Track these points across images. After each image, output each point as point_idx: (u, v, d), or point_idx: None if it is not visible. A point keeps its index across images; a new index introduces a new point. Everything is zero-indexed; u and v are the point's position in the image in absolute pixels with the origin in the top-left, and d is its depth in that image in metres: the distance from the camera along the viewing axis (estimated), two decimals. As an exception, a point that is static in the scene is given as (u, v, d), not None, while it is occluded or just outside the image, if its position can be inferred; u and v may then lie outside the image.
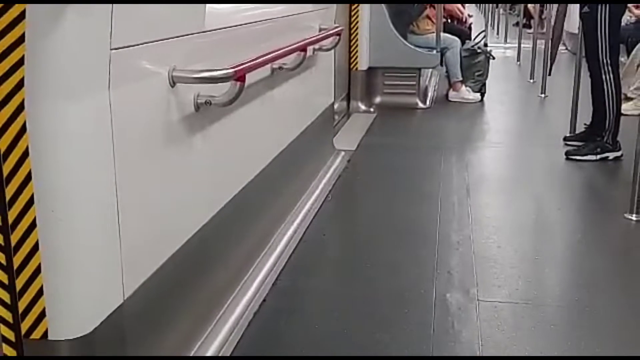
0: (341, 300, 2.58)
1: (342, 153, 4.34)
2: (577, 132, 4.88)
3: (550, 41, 5.29)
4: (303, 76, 3.28)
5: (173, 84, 1.79)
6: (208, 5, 2.00)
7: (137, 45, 1.59)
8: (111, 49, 1.46)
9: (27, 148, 1.35)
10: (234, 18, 2.32)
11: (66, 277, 1.44)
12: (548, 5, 9.71)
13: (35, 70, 1.33)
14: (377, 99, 6.15)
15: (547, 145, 4.83)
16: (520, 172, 4.41)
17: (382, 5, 5.95)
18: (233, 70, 1.88)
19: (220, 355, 2.10)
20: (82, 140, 1.42)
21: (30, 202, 1.38)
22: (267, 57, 2.28)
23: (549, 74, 4.95)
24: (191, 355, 2.03)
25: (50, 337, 1.45)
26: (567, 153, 4.46)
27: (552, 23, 5.04)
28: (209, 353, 2.09)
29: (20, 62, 1.31)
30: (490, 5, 15.54)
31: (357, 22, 5.84)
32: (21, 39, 1.29)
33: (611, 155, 4.35)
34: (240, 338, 2.23)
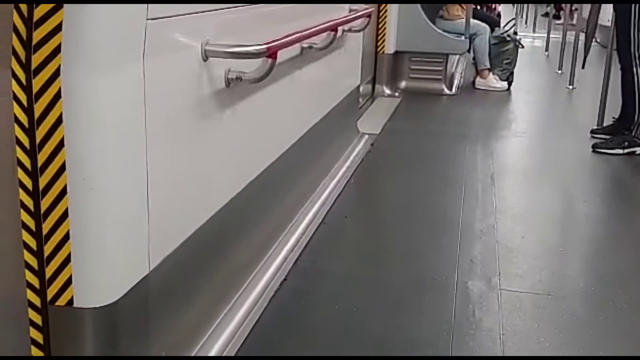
0: (361, 283, 2.57)
1: (366, 136, 4.32)
2: (604, 125, 4.83)
3: (584, 34, 5.22)
4: (331, 57, 3.25)
5: (206, 58, 1.78)
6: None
7: (173, 16, 1.59)
8: (147, 19, 1.45)
9: (60, 115, 1.35)
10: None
11: (94, 245, 1.44)
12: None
13: (72, 37, 1.32)
14: (403, 84, 6.11)
15: (573, 137, 4.78)
16: (545, 163, 4.36)
17: (413, -12, 5.89)
18: (266, 46, 1.86)
19: (238, 334, 2.10)
20: (115, 110, 1.42)
21: (62, 169, 1.37)
22: (298, 35, 2.26)
23: (583, 67, 4.89)
24: (210, 331, 2.03)
25: (75, 305, 1.45)
26: (594, 146, 4.41)
27: (587, 16, 4.97)
28: (229, 329, 2.09)
29: (58, 29, 1.30)
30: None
31: (386, 5, 5.79)
32: (58, 6, 1.29)
33: (638, 150, 4.30)
34: (260, 316, 2.23)
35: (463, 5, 6.36)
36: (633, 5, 4.07)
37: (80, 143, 1.37)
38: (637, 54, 4.18)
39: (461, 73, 7.13)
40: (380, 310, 2.34)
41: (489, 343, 2.16)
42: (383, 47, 5.92)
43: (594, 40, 4.70)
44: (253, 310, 2.23)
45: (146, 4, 1.44)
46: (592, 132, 4.73)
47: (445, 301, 2.40)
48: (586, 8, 9.65)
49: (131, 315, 1.57)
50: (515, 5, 15.10)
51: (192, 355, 1.91)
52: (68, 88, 1.34)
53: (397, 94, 6.00)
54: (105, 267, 1.47)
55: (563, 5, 11.22)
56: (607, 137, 4.50)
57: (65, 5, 1.29)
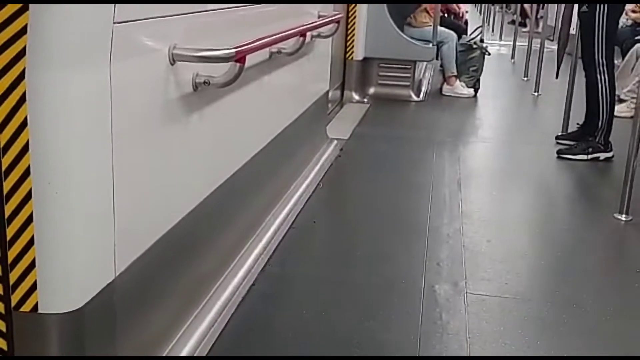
0: (330, 287, 2.58)
1: (335, 142, 4.33)
2: (569, 131, 4.90)
3: (553, 41, 5.30)
4: (300, 62, 3.26)
5: (173, 61, 1.78)
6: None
7: (140, 20, 1.58)
8: (114, 23, 1.45)
9: (25, 118, 1.33)
10: (235, -1, 2.30)
11: (59, 250, 1.43)
12: (544, 5, 9.72)
13: (38, 40, 1.31)
14: (371, 90, 6.15)
15: (539, 143, 4.85)
16: (511, 169, 4.42)
17: (381, -4, 5.93)
18: (234, 50, 1.86)
19: (206, 340, 2.09)
20: (81, 113, 1.41)
21: (26, 173, 1.36)
22: (267, 39, 2.26)
23: (557, 77, 4.97)
24: (178, 336, 2.02)
25: (40, 311, 1.44)
26: (558, 152, 4.47)
27: (560, 26, 5.04)
28: (197, 334, 2.08)
29: (23, 31, 1.29)
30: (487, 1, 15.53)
31: (355, 11, 5.83)
32: (24, 8, 1.28)
33: (602, 155, 4.38)
34: (228, 321, 2.23)
35: (430, 13, 6.42)
36: (597, 14, 4.15)
37: (45, 146, 1.36)
38: (600, 61, 4.25)
39: (429, 80, 7.19)
40: (348, 314, 2.35)
41: (455, 346, 2.18)
42: (352, 53, 5.95)
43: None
44: (221, 314, 2.23)
45: (113, 7, 1.43)
46: (557, 138, 4.80)
47: (413, 305, 2.41)
48: (551, 15, 9.81)
49: (97, 320, 1.55)
50: (482, 12, 15.28)
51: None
52: (33, 91, 1.32)
53: (365, 99, 6.03)
54: (70, 272, 1.46)
55: (529, 13, 11.39)
56: (572, 143, 4.57)
57: (31, 7, 1.28)
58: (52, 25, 1.32)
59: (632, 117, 4.14)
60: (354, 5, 5.81)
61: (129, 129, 1.59)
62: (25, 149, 1.34)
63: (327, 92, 4.32)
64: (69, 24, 1.34)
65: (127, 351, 1.70)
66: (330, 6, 3.94)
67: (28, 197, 1.37)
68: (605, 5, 4.13)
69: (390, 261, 2.79)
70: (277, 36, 2.43)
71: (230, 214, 2.47)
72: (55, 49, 1.32)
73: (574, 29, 4.90)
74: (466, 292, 2.52)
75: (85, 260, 1.48)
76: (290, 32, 2.64)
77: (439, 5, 6.35)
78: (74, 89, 1.37)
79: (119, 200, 1.56)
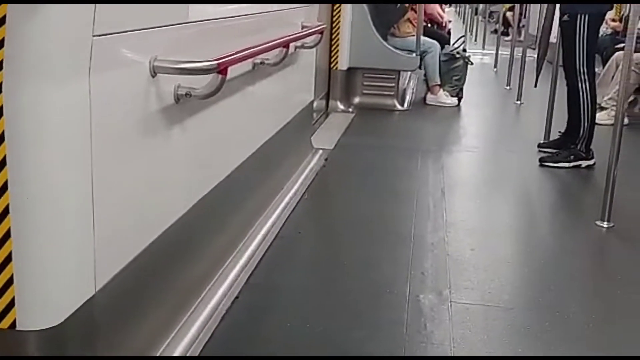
0: (315, 297, 2.57)
1: (320, 151, 4.34)
2: (551, 139, 4.93)
3: (535, 51, 5.35)
4: (284, 73, 3.27)
5: (154, 73, 1.78)
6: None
7: (120, 32, 1.58)
8: (94, 36, 1.44)
9: (2, 133, 1.32)
10: (217, 11, 2.30)
11: (37, 266, 1.41)
12: (526, 14, 9.80)
13: (15, 54, 1.30)
14: (356, 99, 6.17)
15: (521, 151, 4.87)
16: (494, 177, 4.44)
17: (364, 6, 5.96)
18: (216, 62, 1.87)
19: (189, 354, 2.08)
20: (59, 127, 1.40)
21: (3, 188, 1.35)
22: (249, 51, 2.27)
23: (535, 86, 5.01)
24: (160, 351, 2.01)
25: (18, 328, 1.42)
26: (541, 160, 4.50)
27: (539, 35, 5.09)
28: (180, 349, 2.06)
29: (0, 44, 1.28)
30: (470, 11, 15.66)
31: (339, 21, 5.85)
32: (2, 21, 1.27)
33: (584, 163, 4.41)
34: (212, 333, 2.21)
35: (414, 22, 6.46)
36: (578, 23, 4.18)
37: (23, 161, 1.35)
38: (582, 70, 4.29)
39: (413, 89, 7.22)
40: (333, 324, 2.35)
41: (439, 355, 2.18)
42: (336, 63, 5.97)
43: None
44: (205, 327, 2.21)
45: (92, 20, 1.43)
46: (539, 146, 4.83)
47: (398, 314, 2.41)
48: (533, 24, 9.89)
49: (77, 336, 1.54)
50: (465, 22, 15.37)
51: (143, 375, 1.88)
52: (10, 104, 1.32)
53: (350, 109, 6.04)
54: (49, 288, 1.44)
55: (511, 22, 11.47)
56: (554, 151, 4.60)
57: (9, 20, 1.27)
58: (31, 38, 1.31)
59: (612, 124, 4.18)
60: (337, 15, 5.84)
61: (109, 141, 1.59)
62: (2, 163, 1.34)
63: (312, 102, 4.32)
64: (47, 37, 1.34)
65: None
66: (315, 15, 3.95)
67: (5, 212, 1.36)
68: (586, 15, 4.17)
69: (375, 270, 2.79)
70: (260, 47, 2.43)
71: (214, 226, 2.47)
72: (34, 63, 1.32)
73: (554, 38, 4.94)
74: (450, 301, 2.52)
75: (64, 277, 1.47)
76: (272, 43, 2.65)
77: (422, 15, 6.38)
78: (53, 102, 1.37)
79: (99, 215, 1.55)
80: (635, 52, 4.87)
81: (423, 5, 6.46)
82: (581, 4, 4.20)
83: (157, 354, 1.97)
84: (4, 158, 1.33)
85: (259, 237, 2.93)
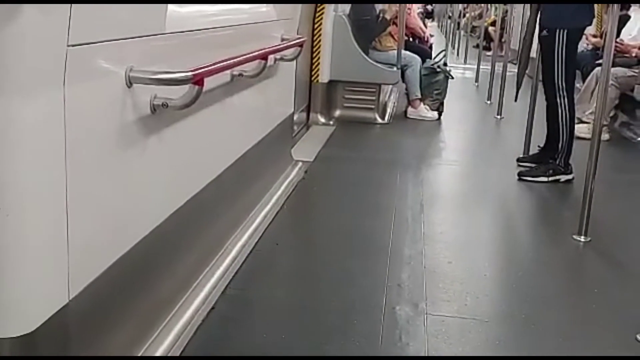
0: (291, 310, 2.57)
1: (300, 164, 4.35)
2: (530, 153, 4.97)
3: (516, 65, 5.41)
4: (263, 85, 3.28)
5: (130, 84, 1.78)
6: (170, 7, 1.99)
7: (95, 43, 1.58)
8: (68, 46, 1.45)
9: (-25, 141, 1.32)
10: (195, 22, 2.31)
11: (10, 273, 1.41)
12: (508, 29, 9.90)
13: (-12, 63, 1.30)
14: (337, 112, 6.19)
15: (501, 165, 4.91)
16: (473, 191, 4.46)
17: (346, 19, 6.00)
18: (192, 73, 1.87)
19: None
20: (33, 137, 1.40)
21: (-24, 197, 1.35)
22: (226, 62, 2.27)
23: (515, 100, 5.06)
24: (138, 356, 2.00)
25: (-10, 335, 1.42)
26: (519, 174, 4.54)
27: (519, 50, 5.15)
28: (156, 357, 2.06)
29: (-28, 54, 1.28)
30: (452, 26, 15.79)
31: (320, 34, 5.88)
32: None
33: (563, 177, 4.45)
34: (186, 344, 2.21)
35: (395, 36, 6.51)
36: (557, 38, 4.23)
37: (-4, 169, 1.35)
38: (560, 85, 4.33)
39: (394, 103, 7.26)
40: (309, 336, 2.35)
41: (415, 367, 2.19)
42: (317, 76, 6.00)
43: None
44: (180, 337, 2.21)
45: (67, 30, 1.43)
46: (519, 160, 4.87)
47: (374, 326, 2.42)
48: (514, 39, 9.98)
49: (50, 344, 1.53)
50: (447, 36, 15.50)
51: (116, 385, 1.87)
52: (-16, 114, 1.32)
53: (331, 122, 6.07)
54: (21, 295, 1.44)
55: (492, 36, 11.56)
56: (533, 165, 4.64)
57: (-18, 30, 1.27)
58: (4, 48, 1.31)
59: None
60: (318, 28, 5.87)
61: (83, 152, 1.59)
62: (-25, 172, 1.33)
63: (292, 114, 4.33)
64: (21, 47, 1.33)
65: (81, 376, 1.68)
66: (294, 28, 3.97)
67: (-22, 220, 1.36)
68: (565, 30, 4.22)
69: (352, 283, 2.79)
70: (237, 59, 2.44)
71: (190, 237, 2.46)
72: (6, 73, 1.32)
73: (534, 52, 5.00)
74: (426, 313, 2.53)
75: (37, 285, 1.47)
76: (250, 55, 2.65)
77: (403, 29, 6.43)
78: (26, 112, 1.36)
79: (73, 224, 1.55)
80: (614, 66, 4.96)
81: (404, 19, 6.51)
82: (560, 19, 4.25)
83: (131, 364, 1.96)
84: (-24, 166, 1.33)
85: (237, 248, 2.93)
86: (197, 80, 1.91)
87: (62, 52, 1.44)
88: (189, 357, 2.15)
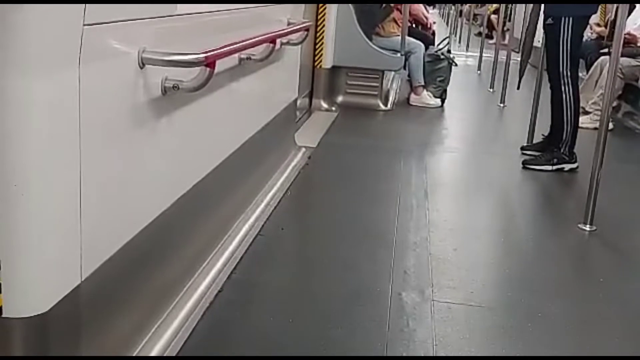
0: (297, 294, 2.58)
1: (303, 149, 4.34)
2: (534, 142, 4.97)
3: (519, 54, 5.38)
4: (269, 70, 3.26)
5: (142, 65, 1.77)
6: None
7: (110, 22, 1.56)
8: (84, 25, 1.43)
9: (-10, 120, 1.31)
10: (205, 5, 2.29)
11: (24, 254, 1.40)
12: (511, 17, 9.87)
13: (4, 40, 1.29)
14: (340, 98, 6.17)
15: (504, 153, 4.90)
16: (477, 179, 4.46)
17: (350, 5, 5.96)
18: (204, 55, 1.86)
19: (172, 345, 2.07)
20: (48, 116, 1.39)
21: (-9, 175, 1.34)
22: (237, 45, 2.26)
23: (518, 88, 5.04)
24: (144, 342, 2.00)
25: (4, 315, 1.41)
26: (524, 162, 4.53)
27: (523, 38, 5.12)
28: (163, 340, 2.06)
29: (-10, 31, 1.27)
30: (454, 13, 15.73)
31: (324, 20, 5.85)
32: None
33: (567, 166, 4.44)
34: (194, 326, 2.21)
35: (399, 23, 6.48)
36: (562, 27, 4.22)
37: (12, 148, 1.34)
38: (565, 73, 4.32)
39: (396, 89, 7.24)
40: (315, 321, 2.35)
41: (421, 353, 2.19)
42: (321, 61, 5.97)
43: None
44: (188, 320, 2.21)
45: (83, 9, 1.42)
46: (522, 148, 4.86)
47: (380, 312, 2.42)
48: (517, 28, 9.96)
49: (62, 325, 1.53)
50: (450, 24, 15.45)
51: (125, 367, 1.87)
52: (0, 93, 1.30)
53: (334, 108, 6.05)
54: (35, 276, 1.44)
55: (495, 25, 11.53)
56: (537, 153, 4.63)
57: (-1, 8, 1.26)
58: (19, 27, 1.30)
59: (595, 128, 4.23)
60: (323, 13, 5.84)
61: (96, 132, 1.58)
62: (-11, 151, 1.32)
63: (296, 99, 4.32)
64: (37, 27, 1.32)
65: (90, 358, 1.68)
66: (300, 13, 3.95)
67: (-8, 199, 1.35)
68: (570, 18, 4.20)
69: (358, 269, 2.79)
70: (247, 42, 2.43)
71: (197, 220, 2.46)
72: (22, 51, 1.30)
73: (538, 42, 4.98)
74: (433, 300, 2.53)
75: (51, 265, 1.46)
76: (260, 38, 2.64)
77: (407, 15, 6.40)
78: (42, 91, 1.35)
79: (86, 204, 1.54)
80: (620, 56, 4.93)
81: (408, 5, 6.48)
82: (565, 7, 4.23)
83: (141, 345, 1.96)
84: (-9, 145, 1.32)
85: (242, 232, 2.93)
86: (209, 63, 1.90)
87: (78, 31, 1.42)
88: (197, 341, 2.14)
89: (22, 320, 1.42)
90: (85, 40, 1.45)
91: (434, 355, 2.17)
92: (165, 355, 2.01)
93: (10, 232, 1.38)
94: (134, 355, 1.92)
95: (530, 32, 4.72)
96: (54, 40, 1.37)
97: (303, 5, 4.02)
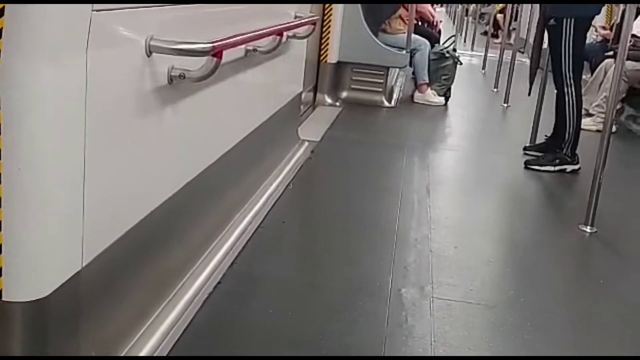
0: (296, 287, 2.57)
1: (306, 143, 4.33)
2: (537, 142, 4.96)
3: (528, 57, 5.35)
4: (275, 62, 3.26)
5: (149, 53, 1.76)
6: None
7: (118, 9, 1.56)
8: (93, 10, 1.43)
9: (-4, 103, 1.31)
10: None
11: (27, 238, 1.41)
12: (517, 17, 9.84)
13: (13, 25, 1.29)
14: (344, 94, 6.17)
15: (507, 153, 4.90)
16: (479, 177, 4.46)
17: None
18: (211, 45, 1.86)
19: (170, 335, 2.07)
20: (54, 99, 1.39)
21: (-5, 158, 1.34)
22: (245, 36, 2.26)
23: (529, 95, 5.02)
24: (142, 330, 2.00)
25: (4, 298, 1.41)
26: (526, 162, 4.53)
27: (531, 43, 5.09)
28: (161, 329, 2.05)
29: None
30: (460, 12, 15.70)
31: (331, 14, 5.84)
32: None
33: (569, 167, 4.43)
34: (193, 317, 2.21)
35: (405, 20, 6.47)
36: (564, 27, 4.21)
37: (17, 132, 1.34)
38: (567, 74, 4.31)
39: (400, 86, 7.23)
40: (315, 315, 2.35)
41: (420, 349, 2.19)
42: (326, 56, 5.96)
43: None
44: (186, 311, 2.21)
45: (92, -6, 1.42)
46: (525, 149, 4.86)
47: (379, 307, 2.42)
48: (523, 27, 9.94)
49: (62, 310, 1.53)
50: (456, 22, 15.42)
51: (122, 355, 1.87)
52: (6, 76, 1.30)
53: (337, 103, 6.04)
54: (37, 260, 1.43)
55: (501, 24, 11.52)
56: (539, 154, 4.62)
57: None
58: (28, 11, 1.30)
59: (598, 130, 4.23)
60: (329, 8, 5.83)
61: (102, 118, 1.58)
62: (-5, 133, 1.32)
63: (300, 93, 4.32)
64: (46, 11, 1.32)
65: (89, 343, 1.68)
66: (307, 7, 3.95)
67: (-4, 182, 1.35)
68: (572, 19, 4.19)
69: (358, 264, 2.79)
70: (255, 33, 2.43)
71: (199, 210, 2.46)
72: (30, 36, 1.30)
73: (545, 44, 4.96)
74: (432, 297, 2.53)
75: (53, 249, 1.46)
76: (267, 30, 2.64)
77: (414, 12, 6.39)
78: (48, 76, 1.35)
79: (89, 190, 1.54)
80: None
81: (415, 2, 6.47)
82: (567, 8, 4.22)
83: (138, 335, 1.96)
84: (-2, 127, 1.32)
85: (243, 224, 2.92)
86: (216, 52, 1.89)
87: (87, 16, 1.42)
88: (195, 332, 2.14)
89: (22, 304, 1.42)
90: (94, 26, 1.44)
91: (432, 352, 2.17)
92: (162, 345, 2.01)
93: (13, 216, 1.37)
94: (131, 344, 1.92)
95: (538, 38, 4.69)
96: (62, 24, 1.36)
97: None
